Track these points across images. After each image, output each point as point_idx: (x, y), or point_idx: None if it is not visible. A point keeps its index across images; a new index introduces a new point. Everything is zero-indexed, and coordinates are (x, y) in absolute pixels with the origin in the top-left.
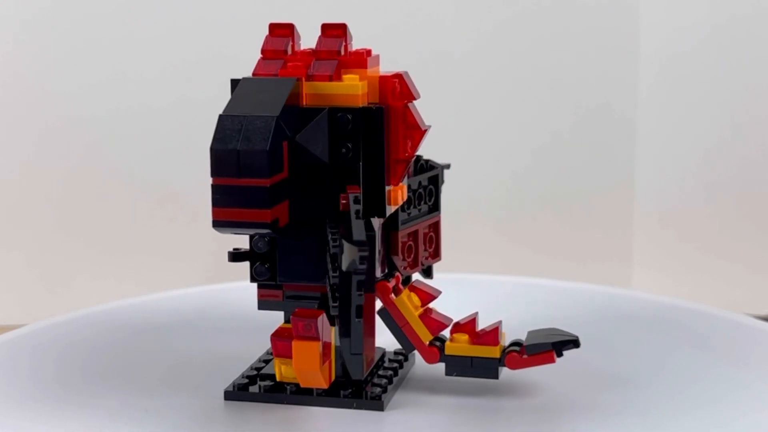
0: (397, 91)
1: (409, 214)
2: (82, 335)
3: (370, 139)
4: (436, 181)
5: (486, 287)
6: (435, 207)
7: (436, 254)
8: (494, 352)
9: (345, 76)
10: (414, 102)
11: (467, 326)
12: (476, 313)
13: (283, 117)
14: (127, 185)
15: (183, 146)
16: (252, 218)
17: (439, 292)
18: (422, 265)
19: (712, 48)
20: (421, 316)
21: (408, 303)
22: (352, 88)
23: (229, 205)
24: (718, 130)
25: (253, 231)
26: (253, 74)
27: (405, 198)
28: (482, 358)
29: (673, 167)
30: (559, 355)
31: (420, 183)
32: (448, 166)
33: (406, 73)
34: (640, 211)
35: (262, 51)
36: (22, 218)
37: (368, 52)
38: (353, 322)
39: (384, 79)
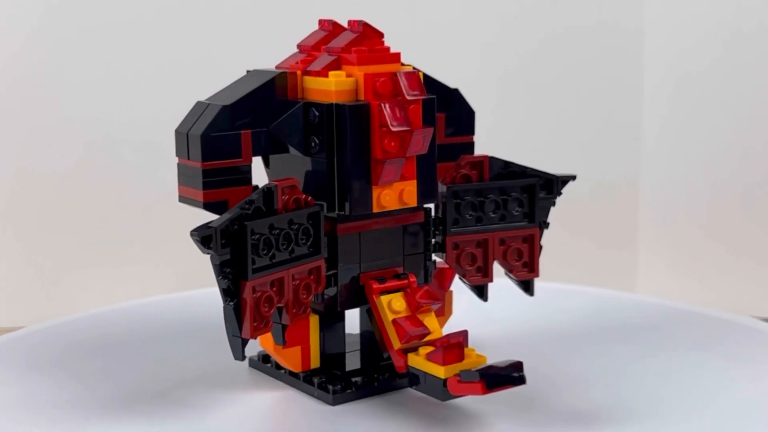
0: (378, 89)
1: (479, 220)
2: (80, 337)
3: (337, 135)
4: (531, 191)
5: (491, 291)
6: (530, 218)
7: (530, 270)
8: (439, 372)
9: (331, 73)
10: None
11: (442, 340)
12: (465, 331)
13: (261, 108)
14: (124, 187)
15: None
16: (194, 197)
17: (438, 304)
18: (512, 279)
19: (716, 54)
20: (394, 321)
21: (384, 306)
22: (326, 84)
23: (183, 183)
24: (723, 132)
25: (199, 208)
26: (276, 66)
27: (403, 203)
28: (431, 376)
29: (678, 170)
30: (490, 388)
31: (503, 189)
32: (572, 178)
33: (411, 72)
34: (645, 214)
35: (297, 45)
36: (18, 219)
37: (374, 48)
38: (224, 306)
39: (368, 77)
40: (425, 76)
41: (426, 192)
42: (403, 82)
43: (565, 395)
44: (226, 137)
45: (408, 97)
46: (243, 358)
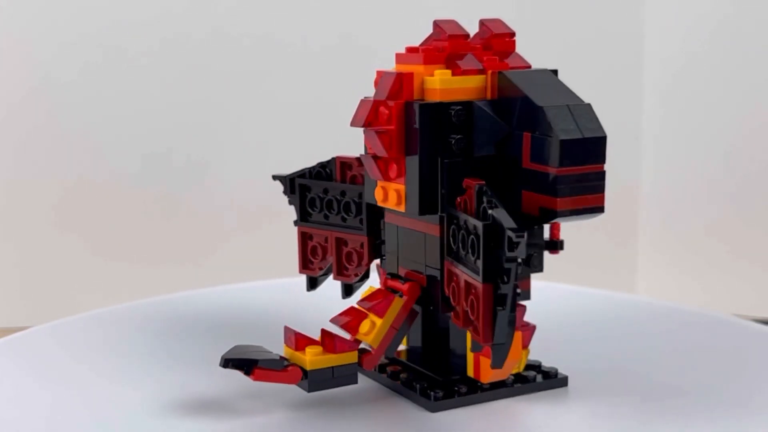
0: (376, 86)
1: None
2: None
3: None
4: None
5: None
6: (476, 270)
7: (475, 330)
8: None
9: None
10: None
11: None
12: (354, 340)
13: None
14: (124, 187)
15: (178, 147)
16: None
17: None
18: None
19: (716, 57)
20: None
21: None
22: None
23: None
24: (721, 137)
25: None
26: None
27: (387, 203)
28: None
29: (679, 170)
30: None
31: (467, 228)
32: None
33: (393, 73)
34: (645, 214)
35: None
36: (17, 220)
37: (427, 48)
38: None
39: (378, 75)
40: (505, 87)
41: (416, 203)
42: (381, 83)
43: (564, 394)
44: None
45: (382, 98)
46: (309, 289)
